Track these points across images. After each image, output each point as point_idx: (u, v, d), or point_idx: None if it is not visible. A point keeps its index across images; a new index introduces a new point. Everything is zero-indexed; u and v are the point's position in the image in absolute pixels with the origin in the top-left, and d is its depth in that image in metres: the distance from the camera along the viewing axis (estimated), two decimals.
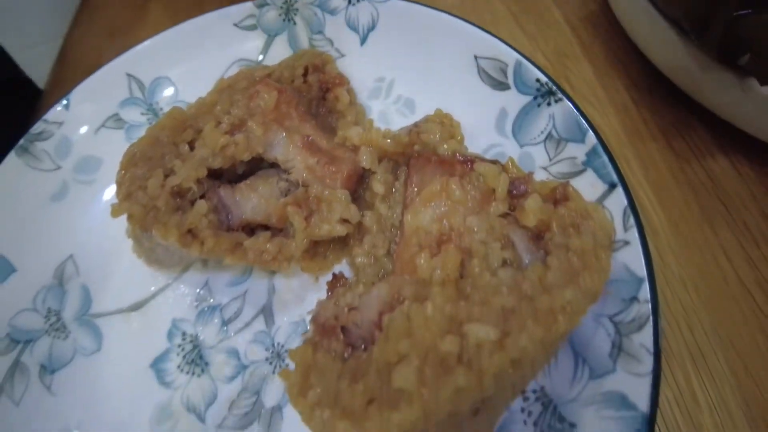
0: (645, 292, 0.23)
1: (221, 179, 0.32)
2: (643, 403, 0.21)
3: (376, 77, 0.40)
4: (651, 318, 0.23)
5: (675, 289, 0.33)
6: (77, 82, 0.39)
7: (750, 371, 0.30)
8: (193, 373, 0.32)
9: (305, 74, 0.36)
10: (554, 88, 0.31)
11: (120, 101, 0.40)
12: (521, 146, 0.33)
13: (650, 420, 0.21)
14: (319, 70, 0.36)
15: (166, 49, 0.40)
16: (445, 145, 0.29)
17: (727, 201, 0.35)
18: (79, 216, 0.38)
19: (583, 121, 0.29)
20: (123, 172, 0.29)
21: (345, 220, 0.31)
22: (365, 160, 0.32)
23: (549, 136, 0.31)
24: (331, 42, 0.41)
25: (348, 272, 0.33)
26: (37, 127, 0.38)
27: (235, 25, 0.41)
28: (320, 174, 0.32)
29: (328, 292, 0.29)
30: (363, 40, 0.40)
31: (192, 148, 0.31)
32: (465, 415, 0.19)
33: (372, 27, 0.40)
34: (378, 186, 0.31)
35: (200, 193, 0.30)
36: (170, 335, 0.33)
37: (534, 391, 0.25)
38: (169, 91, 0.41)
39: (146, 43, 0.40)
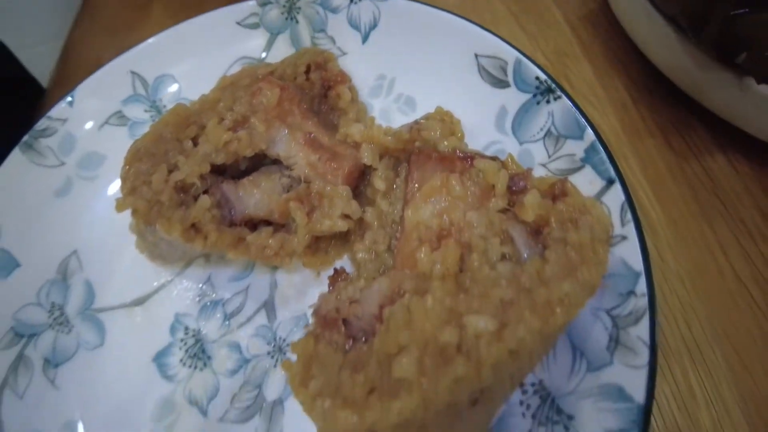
0: (642, 286, 0.24)
1: (224, 175, 0.32)
2: (639, 395, 0.22)
3: (377, 75, 0.40)
4: (647, 311, 0.23)
5: (672, 284, 0.33)
6: (79, 81, 0.40)
7: (746, 366, 0.30)
8: (196, 367, 0.32)
9: (307, 72, 0.36)
10: (553, 85, 0.31)
11: (124, 98, 0.40)
12: (521, 143, 0.33)
13: (646, 411, 0.21)
14: (321, 68, 0.37)
15: (170, 47, 0.40)
16: (445, 142, 0.30)
17: (724, 198, 0.36)
18: (83, 212, 0.38)
19: (582, 119, 0.30)
20: (127, 167, 0.30)
21: (346, 216, 0.31)
22: (366, 156, 0.32)
23: (548, 133, 0.32)
24: (333, 40, 0.41)
25: (349, 267, 0.33)
26: (42, 124, 0.39)
27: (238, 23, 0.41)
28: (322, 170, 0.32)
29: (329, 287, 0.29)
30: (364, 39, 0.40)
31: (195, 144, 0.31)
32: (464, 404, 0.20)
33: (373, 25, 0.40)
34: (379, 182, 0.32)
35: (203, 188, 0.30)
36: (173, 329, 0.34)
37: (532, 384, 0.26)
38: (172, 89, 0.41)
39: (150, 41, 0.40)
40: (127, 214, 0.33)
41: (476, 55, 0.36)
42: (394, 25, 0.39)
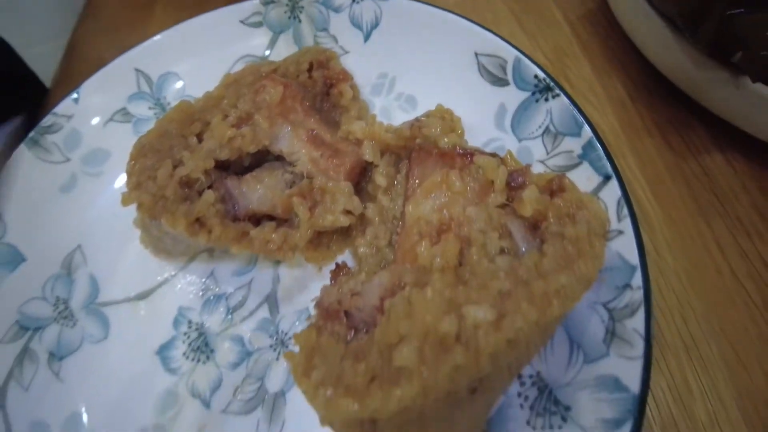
0: (638, 279, 0.24)
1: (228, 171, 0.33)
2: (634, 385, 0.22)
3: (378, 73, 0.40)
4: (643, 304, 0.23)
5: (670, 280, 0.33)
6: (83, 79, 0.40)
7: (742, 360, 0.30)
8: (199, 360, 0.33)
9: (310, 70, 0.37)
10: (552, 84, 0.32)
11: (128, 95, 0.41)
12: (520, 140, 0.34)
13: (641, 401, 0.22)
14: (324, 66, 0.37)
15: (174, 45, 0.41)
16: (445, 139, 0.30)
17: (721, 196, 0.36)
18: (88, 207, 0.38)
19: (579, 116, 0.30)
20: (133, 162, 0.30)
21: (348, 212, 0.31)
22: (368, 153, 0.32)
23: (546, 130, 0.32)
24: (335, 39, 0.42)
25: (351, 262, 0.33)
26: (47, 120, 0.39)
27: (242, 22, 0.42)
28: (324, 166, 0.32)
29: (331, 281, 0.29)
30: (366, 38, 0.41)
31: (200, 140, 0.32)
32: (463, 393, 0.20)
33: (375, 25, 0.40)
34: (380, 178, 0.32)
35: (208, 183, 0.31)
36: (176, 323, 0.34)
37: (530, 376, 0.26)
38: (176, 86, 0.42)
39: (154, 38, 0.41)
40: (131, 209, 0.33)
41: (476, 54, 0.36)
42: (395, 24, 0.40)
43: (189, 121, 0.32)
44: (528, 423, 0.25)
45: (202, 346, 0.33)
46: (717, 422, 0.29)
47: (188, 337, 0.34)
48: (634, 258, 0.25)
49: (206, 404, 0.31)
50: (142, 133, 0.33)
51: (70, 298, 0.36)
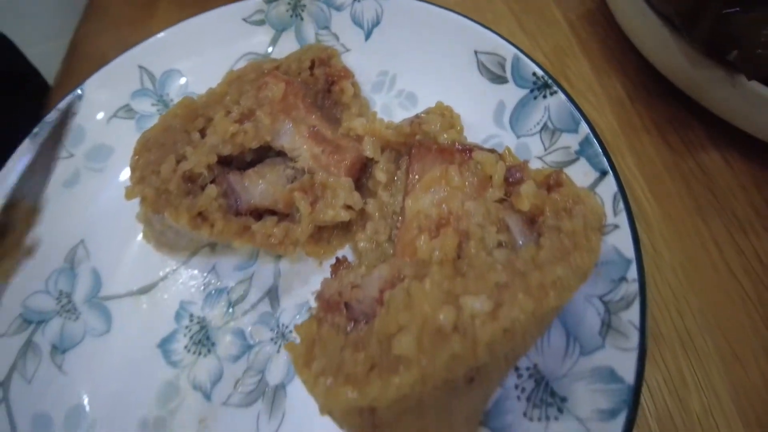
0: (633, 272, 0.25)
1: (230, 166, 0.33)
2: (629, 376, 0.22)
3: (379, 71, 0.41)
4: (638, 296, 0.24)
5: (666, 276, 0.34)
6: (85, 77, 0.40)
7: (736, 354, 0.31)
8: (200, 353, 0.33)
9: (312, 67, 0.37)
10: (550, 81, 0.32)
11: (131, 92, 0.41)
12: (518, 137, 0.34)
13: (636, 391, 0.22)
14: (325, 64, 0.38)
15: (177, 43, 0.41)
16: (445, 135, 0.31)
17: (717, 192, 0.37)
18: (91, 202, 0.39)
19: (577, 112, 0.30)
20: (137, 157, 0.30)
21: (348, 207, 0.32)
22: (368, 149, 0.33)
23: (544, 127, 0.33)
24: (336, 37, 0.42)
25: (351, 257, 0.34)
26: (51, 116, 0.39)
27: (244, 20, 0.42)
28: (325, 162, 0.33)
29: (331, 274, 0.30)
30: (367, 36, 0.41)
31: (203, 135, 0.32)
32: (460, 382, 0.21)
33: (376, 23, 0.41)
34: (380, 174, 0.33)
35: (210, 178, 0.31)
36: (178, 317, 0.35)
37: (527, 368, 0.27)
38: (179, 83, 0.42)
39: (158, 36, 0.41)
40: (133, 204, 0.34)
41: (476, 52, 0.37)
42: (396, 22, 0.40)
43: (192, 117, 0.33)
44: (525, 414, 0.25)
45: (204, 340, 0.34)
46: (711, 414, 0.29)
47: (190, 331, 0.34)
48: (629, 251, 0.25)
49: (207, 396, 0.32)
50: (145, 129, 0.33)
51: (73, 292, 0.36)
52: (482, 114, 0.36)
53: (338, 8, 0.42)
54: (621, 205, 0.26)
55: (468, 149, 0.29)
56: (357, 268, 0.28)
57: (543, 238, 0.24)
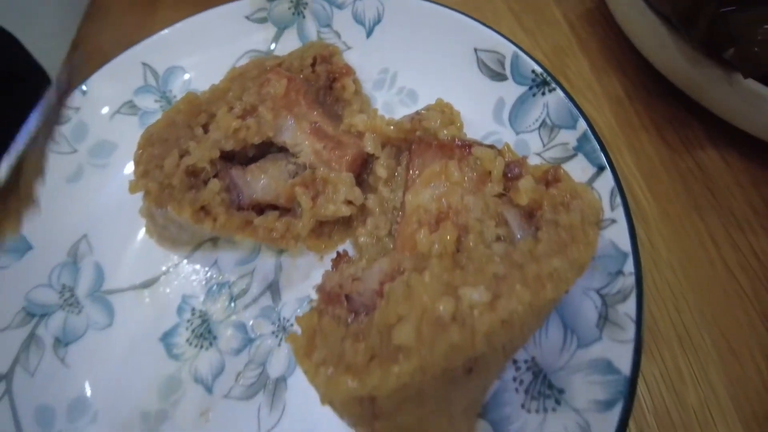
0: (629, 265, 0.25)
1: (233, 161, 0.33)
2: (626, 368, 0.23)
3: (380, 69, 0.41)
4: (635, 289, 0.24)
5: (663, 272, 0.34)
6: (88, 75, 0.41)
7: (733, 349, 0.31)
8: (202, 347, 0.33)
9: (313, 64, 0.38)
10: (548, 78, 0.33)
11: (135, 89, 0.42)
12: (517, 134, 0.35)
13: (632, 382, 0.22)
14: (327, 61, 0.38)
15: (180, 40, 0.42)
16: (445, 131, 0.31)
17: (715, 191, 0.37)
18: (94, 197, 0.39)
19: (575, 109, 0.31)
20: (140, 151, 0.31)
21: (349, 202, 0.32)
22: (369, 145, 0.33)
23: (543, 123, 0.33)
24: (338, 35, 0.42)
25: (351, 252, 0.34)
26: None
27: (247, 17, 0.43)
28: (326, 158, 0.33)
29: (332, 268, 0.30)
30: (369, 34, 0.42)
31: (206, 131, 0.33)
32: (459, 372, 0.21)
33: (377, 21, 0.41)
34: (381, 170, 0.33)
35: (213, 173, 0.31)
36: (180, 311, 0.35)
37: (525, 361, 0.27)
38: (182, 80, 0.42)
39: (161, 33, 0.42)
40: (136, 200, 0.34)
41: (476, 50, 0.37)
42: (397, 20, 0.41)
43: (195, 113, 0.33)
44: (523, 406, 0.26)
45: (205, 333, 0.34)
46: (708, 409, 0.29)
47: (191, 324, 0.34)
48: (626, 245, 0.26)
49: (209, 389, 0.32)
50: (148, 125, 0.34)
51: (75, 286, 0.36)
52: (482, 111, 0.36)
53: (340, 6, 0.42)
54: (618, 199, 0.27)
55: (467, 145, 0.29)
56: (358, 261, 0.29)
57: (541, 232, 0.24)
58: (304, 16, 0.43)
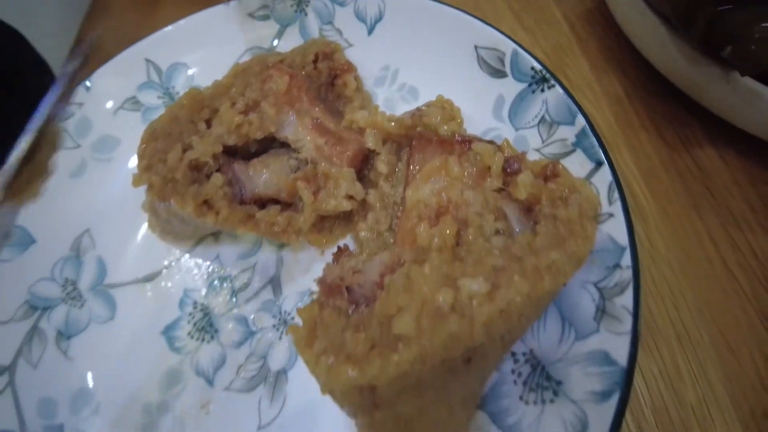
0: (627, 259, 0.25)
1: (235, 156, 0.34)
2: (622, 359, 0.23)
3: (381, 66, 0.42)
4: (632, 282, 0.24)
5: (662, 269, 0.34)
6: (90, 72, 0.41)
7: (731, 346, 0.31)
8: (203, 340, 0.34)
9: (315, 61, 0.38)
10: (548, 75, 0.33)
11: (138, 85, 0.42)
12: (516, 130, 0.35)
13: (629, 373, 0.23)
14: (329, 58, 0.38)
15: (184, 37, 0.42)
16: (445, 127, 0.31)
17: (713, 188, 0.37)
18: (96, 192, 0.39)
19: (573, 105, 0.31)
20: (144, 145, 0.31)
21: (350, 197, 0.32)
22: (370, 141, 0.34)
23: (542, 119, 0.33)
24: (340, 32, 0.43)
25: (352, 246, 0.34)
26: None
27: (250, 14, 0.43)
28: (328, 153, 0.34)
29: (333, 262, 0.30)
30: (370, 31, 0.42)
31: (209, 126, 0.33)
32: (458, 361, 0.21)
33: (379, 18, 0.42)
34: (382, 166, 0.33)
35: (216, 167, 0.32)
36: (182, 304, 0.35)
37: (524, 354, 0.27)
38: (185, 76, 0.43)
39: (164, 30, 0.42)
40: (138, 194, 0.34)
41: (476, 47, 0.37)
42: (398, 18, 0.41)
43: (198, 108, 0.33)
44: (521, 398, 0.26)
45: (207, 326, 0.34)
46: (706, 405, 0.30)
47: (193, 318, 0.35)
48: (623, 239, 0.26)
49: (210, 382, 0.32)
50: (151, 120, 0.34)
51: (78, 280, 0.37)
52: (482, 107, 0.36)
53: (342, 4, 0.43)
54: (616, 194, 0.27)
55: (467, 141, 0.30)
56: (358, 255, 0.29)
57: (539, 226, 0.24)
58: (306, 14, 0.44)
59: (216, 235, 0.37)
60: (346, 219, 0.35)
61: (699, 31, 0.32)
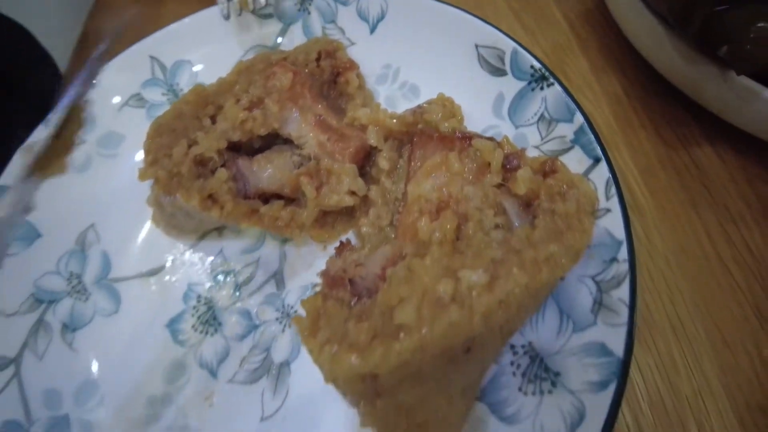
0: (624, 252, 0.26)
1: (239, 152, 0.34)
2: (619, 350, 0.24)
3: (383, 64, 0.42)
4: (628, 274, 0.25)
5: (659, 264, 0.35)
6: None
7: (726, 340, 0.32)
8: (207, 333, 0.34)
9: (318, 59, 0.39)
10: (547, 73, 0.34)
11: (143, 81, 0.43)
12: (516, 127, 0.35)
13: (625, 363, 0.23)
14: (331, 56, 0.39)
15: (188, 34, 0.43)
16: (446, 124, 0.32)
17: (709, 185, 0.38)
18: (101, 187, 0.40)
19: (572, 103, 0.32)
20: (150, 140, 0.32)
21: (352, 192, 0.33)
22: (372, 138, 0.34)
23: (541, 117, 0.34)
24: (342, 31, 0.43)
25: (354, 242, 0.35)
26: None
27: (253, 12, 0.44)
28: (330, 150, 0.34)
29: (336, 256, 0.31)
30: (372, 30, 0.43)
31: (213, 122, 0.34)
32: (458, 351, 0.22)
33: (381, 17, 0.42)
34: (383, 162, 0.34)
35: (220, 162, 0.32)
36: (186, 298, 0.36)
37: (522, 346, 0.28)
38: (188, 73, 0.43)
39: (169, 27, 0.43)
40: (143, 190, 0.35)
41: (476, 46, 0.38)
42: (400, 17, 0.41)
43: (203, 104, 0.34)
44: (520, 389, 0.26)
45: (211, 320, 0.35)
46: (701, 397, 0.30)
47: (197, 311, 0.35)
48: (620, 233, 0.26)
49: (213, 374, 0.33)
50: (157, 116, 0.35)
51: (83, 274, 0.37)
52: (482, 105, 0.37)
53: (344, 3, 0.43)
54: (613, 190, 0.28)
55: (468, 137, 0.30)
56: (360, 249, 0.30)
57: (538, 220, 0.25)
58: (309, 12, 0.44)
59: (219, 230, 0.38)
60: (348, 214, 0.35)
61: (696, 31, 0.33)
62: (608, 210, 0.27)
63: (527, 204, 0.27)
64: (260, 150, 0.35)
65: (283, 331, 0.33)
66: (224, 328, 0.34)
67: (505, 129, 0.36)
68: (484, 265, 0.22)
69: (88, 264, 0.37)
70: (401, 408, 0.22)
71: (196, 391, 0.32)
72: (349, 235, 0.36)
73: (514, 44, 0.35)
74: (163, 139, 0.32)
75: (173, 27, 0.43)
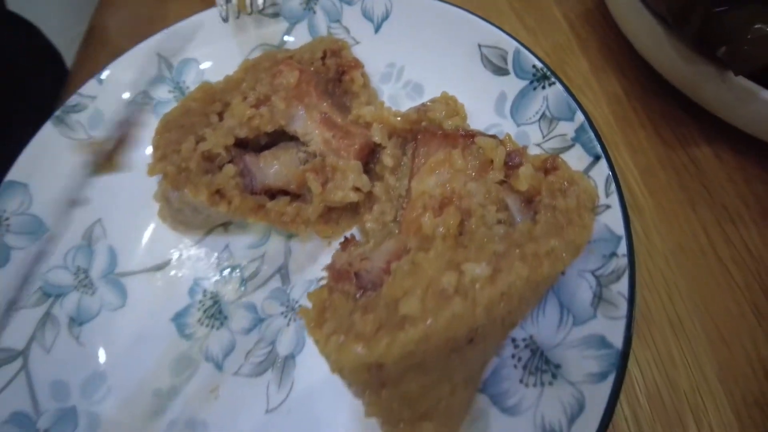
0: (623, 247, 0.26)
1: (246, 149, 0.35)
2: (618, 342, 0.24)
3: (387, 63, 0.43)
4: (627, 269, 0.25)
5: (657, 262, 0.35)
6: (102, 66, 0.42)
7: (723, 336, 0.32)
8: (213, 326, 0.35)
9: (323, 58, 0.39)
10: (548, 73, 0.34)
11: (149, 79, 0.43)
12: (518, 125, 0.36)
13: (624, 355, 0.24)
14: (336, 55, 0.39)
15: (195, 32, 0.43)
16: (449, 121, 0.32)
17: (707, 184, 0.38)
18: (108, 183, 0.40)
19: (573, 102, 0.32)
20: (158, 136, 0.32)
21: (357, 189, 0.33)
22: (377, 135, 0.35)
23: (543, 115, 0.34)
24: (347, 30, 0.44)
25: (358, 237, 0.35)
26: (73, 100, 0.41)
27: (259, 12, 0.44)
28: (335, 146, 0.35)
29: (341, 251, 0.31)
30: (377, 29, 0.43)
31: (221, 119, 0.34)
32: (461, 341, 0.22)
33: (385, 17, 0.43)
34: (388, 159, 0.34)
35: (228, 158, 0.33)
36: (192, 292, 0.36)
37: (524, 340, 0.28)
38: (195, 71, 0.44)
39: (176, 26, 0.43)
40: (149, 186, 0.35)
41: (479, 46, 0.38)
42: (404, 17, 0.42)
43: (210, 101, 0.35)
44: (521, 381, 0.27)
45: (216, 314, 0.35)
46: (699, 392, 0.31)
47: (203, 305, 0.36)
48: (620, 229, 0.27)
49: (219, 367, 0.33)
50: (161, 114, 0.35)
51: (90, 268, 0.38)
52: (485, 104, 0.37)
53: (349, 2, 0.44)
54: (613, 186, 0.28)
55: (471, 135, 0.31)
56: (365, 244, 0.30)
57: (539, 215, 0.26)
58: (314, 12, 0.45)
59: (225, 226, 0.38)
60: (353, 210, 0.36)
61: (695, 32, 0.33)
62: (608, 206, 0.28)
63: (529, 200, 0.28)
64: (267, 146, 0.35)
65: (288, 324, 0.34)
66: (230, 322, 0.35)
67: (507, 127, 0.36)
68: (486, 259, 0.23)
69: (95, 259, 0.38)
70: (405, 397, 0.23)
71: (202, 384, 0.33)
72: (354, 231, 0.36)
73: (516, 44, 0.36)
74: (171, 135, 0.32)
75: (180, 25, 0.43)
